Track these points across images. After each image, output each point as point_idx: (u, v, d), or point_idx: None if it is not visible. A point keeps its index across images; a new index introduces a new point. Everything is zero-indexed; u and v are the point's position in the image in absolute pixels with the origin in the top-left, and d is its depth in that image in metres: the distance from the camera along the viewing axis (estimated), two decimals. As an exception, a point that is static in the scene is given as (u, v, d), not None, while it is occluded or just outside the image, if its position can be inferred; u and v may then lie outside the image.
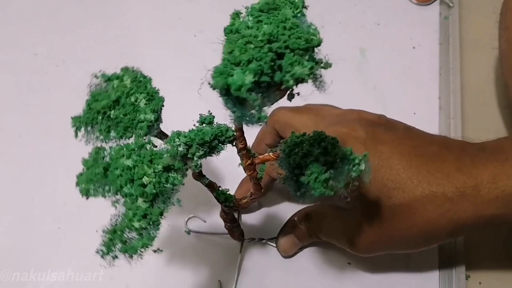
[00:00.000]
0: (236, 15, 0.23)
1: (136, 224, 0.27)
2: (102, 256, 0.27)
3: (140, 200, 0.27)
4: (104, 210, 0.46)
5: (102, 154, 0.29)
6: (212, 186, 0.35)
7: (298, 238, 0.42)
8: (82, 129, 0.31)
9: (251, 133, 0.52)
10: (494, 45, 0.50)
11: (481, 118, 0.52)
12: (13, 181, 0.49)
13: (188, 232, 0.44)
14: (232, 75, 0.21)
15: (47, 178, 0.48)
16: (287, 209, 0.45)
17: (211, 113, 0.31)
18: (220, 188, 0.36)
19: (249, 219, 0.46)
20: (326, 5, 0.59)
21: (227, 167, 0.47)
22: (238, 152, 0.30)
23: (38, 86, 0.55)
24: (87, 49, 0.57)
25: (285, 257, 0.44)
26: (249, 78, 0.21)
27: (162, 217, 0.27)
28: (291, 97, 0.23)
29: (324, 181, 0.26)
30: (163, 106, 0.31)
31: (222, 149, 0.31)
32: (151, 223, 0.27)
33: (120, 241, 0.27)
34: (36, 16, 0.60)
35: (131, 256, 0.27)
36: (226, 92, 0.21)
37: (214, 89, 0.21)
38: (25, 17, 0.60)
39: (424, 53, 0.56)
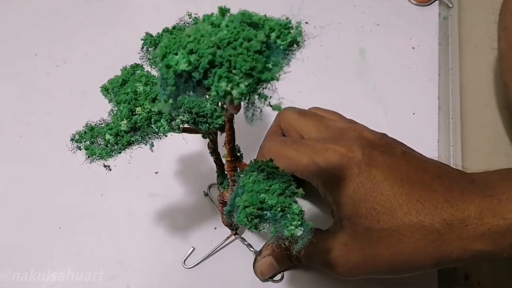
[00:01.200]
0: (221, 10, 0.23)
1: (107, 136, 0.30)
2: (71, 140, 0.31)
3: (124, 121, 0.30)
4: (104, 210, 0.47)
5: (135, 71, 0.32)
6: (218, 164, 0.36)
7: (276, 260, 0.42)
8: (146, 46, 0.34)
9: (254, 130, 0.51)
10: (493, 46, 0.50)
11: (480, 118, 0.52)
12: (14, 181, 0.49)
13: (206, 194, 0.47)
14: (176, 54, 0.21)
15: (48, 178, 0.49)
16: None
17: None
18: (226, 172, 0.36)
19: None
20: (326, 5, 0.59)
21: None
22: (223, 144, 0.31)
23: (38, 86, 0.55)
24: (87, 49, 0.58)
25: (261, 280, 0.43)
26: (182, 65, 0.21)
27: (129, 147, 0.30)
28: (221, 108, 0.23)
29: (250, 214, 0.26)
30: None
31: (208, 129, 0.32)
32: (118, 143, 0.30)
33: (90, 139, 0.30)
34: (37, 17, 0.60)
35: (88, 156, 0.30)
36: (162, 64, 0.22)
37: (155, 56, 0.22)
38: (26, 18, 0.60)
39: (423, 53, 0.56)
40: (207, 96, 0.22)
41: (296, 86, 0.53)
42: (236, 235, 0.44)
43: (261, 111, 0.22)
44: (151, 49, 0.34)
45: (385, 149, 0.38)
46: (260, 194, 0.26)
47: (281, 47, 0.22)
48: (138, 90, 0.30)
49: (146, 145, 0.31)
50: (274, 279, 0.43)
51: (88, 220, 0.46)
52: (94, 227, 0.46)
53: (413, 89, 0.54)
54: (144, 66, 0.34)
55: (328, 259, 0.38)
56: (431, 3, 0.59)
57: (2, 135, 0.51)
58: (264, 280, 0.43)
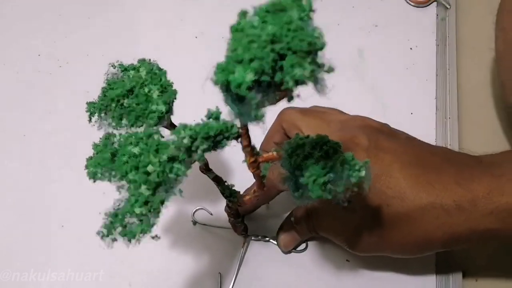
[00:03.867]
0: (243, 14, 0.23)
1: (137, 210, 0.27)
2: (102, 238, 0.28)
3: (143, 187, 0.27)
4: (104, 209, 0.46)
5: (112, 140, 0.30)
6: (218, 181, 0.35)
7: (298, 233, 0.43)
8: (96, 115, 0.32)
9: (258, 131, 0.52)
10: (490, 46, 0.50)
11: (478, 118, 0.53)
12: (16, 181, 0.49)
13: (194, 223, 0.46)
14: (233, 73, 0.21)
15: (49, 178, 0.49)
16: (290, 209, 0.46)
17: (218, 109, 0.31)
18: (226, 183, 0.36)
19: (253, 216, 0.46)
20: (324, 6, 0.59)
21: (237, 163, 0.48)
22: (242, 149, 0.31)
23: (41, 86, 0.55)
24: (90, 50, 0.58)
25: (285, 252, 0.44)
26: (249, 77, 0.21)
27: (163, 205, 0.28)
28: (290, 98, 0.23)
29: (323, 184, 0.27)
30: (175, 98, 0.33)
31: (226, 144, 0.31)
32: (151, 210, 0.28)
33: (121, 225, 0.28)
34: (40, 17, 0.61)
35: (129, 240, 0.28)
36: (227, 88, 0.22)
37: (215, 84, 0.22)
38: (29, 18, 0.60)
39: (421, 54, 0.56)
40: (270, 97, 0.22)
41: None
42: (248, 236, 0.45)
43: (323, 79, 0.22)
44: (103, 114, 0.33)
45: (390, 135, 0.39)
46: (318, 163, 0.27)
47: (305, 18, 0.23)
48: (135, 152, 0.28)
49: (176, 194, 0.29)
50: (297, 249, 0.45)
51: (88, 220, 0.46)
52: (94, 227, 0.46)
53: (411, 89, 0.54)
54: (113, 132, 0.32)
55: (342, 237, 0.39)
56: (428, 4, 0.60)
57: (6, 135, 0.52)
58: (287, 252, 0.45)
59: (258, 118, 0.23)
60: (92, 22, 0.60)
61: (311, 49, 0.21)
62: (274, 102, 0.23)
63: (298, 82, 0.21)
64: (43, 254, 0.45)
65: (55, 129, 0.52)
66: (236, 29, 0.22)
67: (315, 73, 0.22)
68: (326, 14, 0.58)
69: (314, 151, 0.28)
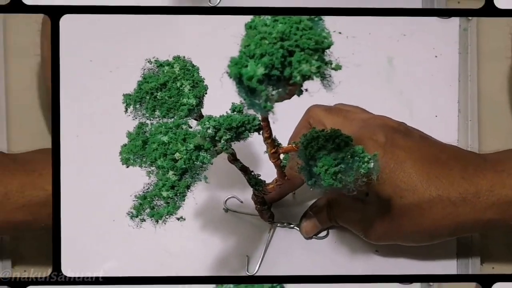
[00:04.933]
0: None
1: (164, 194, 0.29)
2: (131, 218, 0.30)
3: (170, 172, 0.29)
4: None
5: (144, 129, 0.32)
6: (245, 170, 0.37)
7: (319, 221, 0.46)
8: (131, 106, 0.34)
9: (281, 125, 0.54)
10: (508, 55, 0.53)
11: (496, 120, 0.55)
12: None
13: (226, 210, 0.49)
14: (246, 66, 0.22)
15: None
16: (316, 198, 0.49)
17: (242, 103, 0.32)
18: (253, 173, 0.38)
19: (280, 204, 0.49)
20: (357, 17, 0.60)
21: (265, 155, 0.50)
22: (264, 141, 0.32)
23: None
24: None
25: (306, 238, 0.48)
26: (260, 70, 0.22)
27: (189, 190, 0.30)
28: (300, 93, 0.24)
29: (334, 173, 0.28)
30: (206, 93, 0.35)
31: (248, 136, 0.32)
32: (177, 194, 0.29)
33: (149, 207, 0.29)
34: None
35: (156, 221, 0.29)
36: (239, 81, 0.23)
37: (230, 77, 0.23)
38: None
39: (445, 61, 0.58)
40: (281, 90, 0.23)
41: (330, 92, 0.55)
42: (274, 223, 0.48)
43: (330, 76, 0.24)
44: (138, 105, 0.34)
45: (405, 133, 0.42)
46: (330, 154, 0.29)
47: (316, 19, 0.24)
48: (164, 140, 0.29)
49: (201, 180, 0.30)
50: (319, 236, 0.48)
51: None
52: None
53: (435, 94, 0.56)
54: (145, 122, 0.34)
55: (359, 227, 0.43)
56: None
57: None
58: (309, 238, 0.48)
59: (268, 109, 0.23)
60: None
61: (318, 47, 0.23)
62: (285, 96, 0.24)
63: (305, 77, 0.22)
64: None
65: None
66: (250, 26, 0.24)
67: (322, 69, 0.23)
68: (359, 24, 0.60)
69: (327, 143, 0.29)
